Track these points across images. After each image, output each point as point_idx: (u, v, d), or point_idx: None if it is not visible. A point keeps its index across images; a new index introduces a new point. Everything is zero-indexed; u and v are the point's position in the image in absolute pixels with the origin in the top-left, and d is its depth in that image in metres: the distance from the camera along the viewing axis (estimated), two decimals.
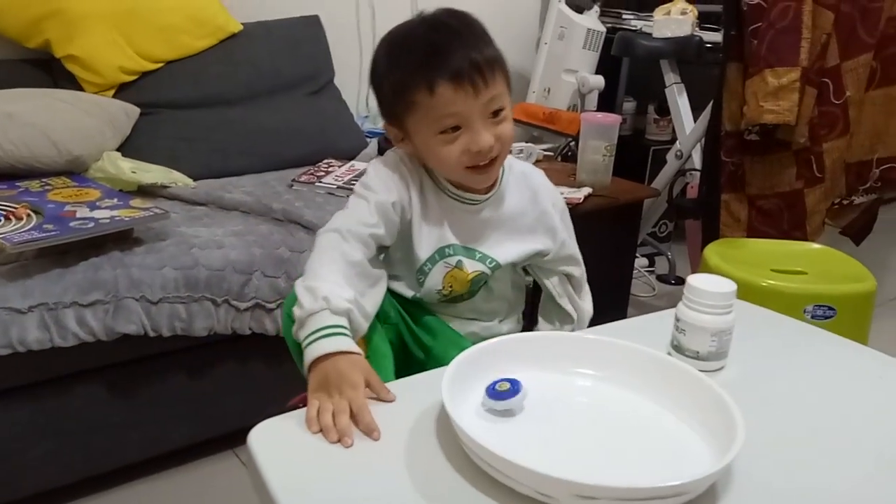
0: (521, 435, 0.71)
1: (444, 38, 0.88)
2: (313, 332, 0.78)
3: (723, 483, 0.65)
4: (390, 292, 1.00)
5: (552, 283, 1.09)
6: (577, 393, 0.79)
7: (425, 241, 0.99)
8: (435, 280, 1.01)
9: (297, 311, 0.81)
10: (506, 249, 1.02)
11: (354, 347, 0.79)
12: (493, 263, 1.01)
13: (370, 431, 0.70)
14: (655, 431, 0.73)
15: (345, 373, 0.75)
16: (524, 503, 0.61)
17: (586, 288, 1.13)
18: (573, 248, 1.09)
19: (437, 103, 0.88)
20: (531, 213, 1.04)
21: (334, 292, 0.81)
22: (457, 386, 0.71)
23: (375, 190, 0.94)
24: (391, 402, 0.75)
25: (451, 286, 1.02)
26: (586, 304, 1.12)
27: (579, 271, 1.11)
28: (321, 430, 0.70)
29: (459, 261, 1.00)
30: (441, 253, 0.99)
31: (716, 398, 0.71)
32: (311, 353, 0.78)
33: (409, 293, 1.04)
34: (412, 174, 0.97)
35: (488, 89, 0.88)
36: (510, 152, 1.00)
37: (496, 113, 0.91)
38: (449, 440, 0.69)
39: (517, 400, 0.73)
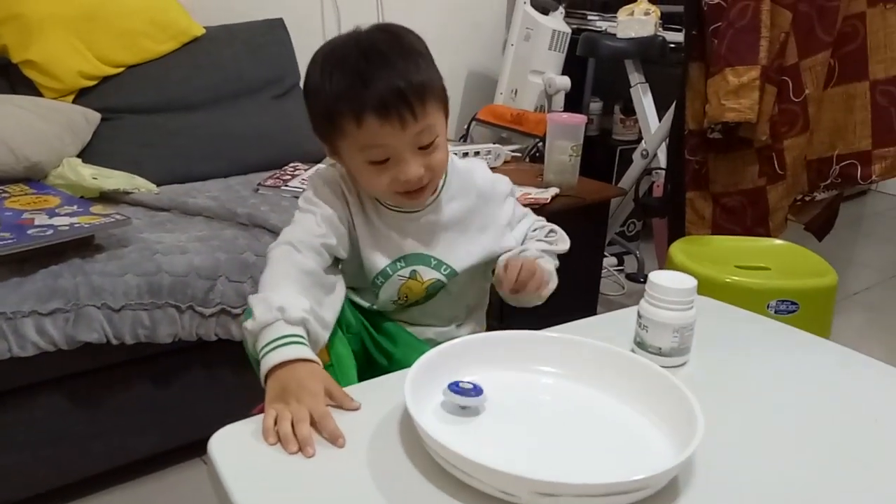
0: (484, 434, 0.71)
1: (373, 67, 0.85)
2: (269, 343, 0.77)
3: (684, 477, 0.66)
4: (349, 301, 1.00)
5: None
6: (539, 391, 0.80)
7: (374, 256, 0.98)
8: (390, 292, 1.00)
9: (250, 324, 0.79)
10: (459, 255, 1.01)
11: (312, 356, 0.77)
12: (448, 270, 1.00)
13: (335, 439, 0.69)
14: (618, 428, 0.74)
15: (303, 381, 0.73)
16: (488, 502, 0.61)
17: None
18: (526, 224, 1.09)
19: (364, 135, 0.86)
20: (481, 212, 1.03)
21: (289, 302, 0.79)
22: (419, 388, 0.71)
23: (320, 204, 0.93)
24: (356, 410, 0.74)
25: (406, 296, 1.01)
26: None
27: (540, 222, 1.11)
28: (279, 441, 0.68)
29: (414, 271, 0.99)
30: (393, 267, 0.98)
31: (676, 393, 0.71)
32: (266, 364, 0.76)
33: (365, 304, 1.03)
34: (350, 190, 0.96)
35: (417, 122, 0.86)
36: (462, 155, 0.99)
37: (427, 145, 0.89)
38: (412, 442, 0.69)
39: (479, 400, 0.73)
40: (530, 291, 0.95)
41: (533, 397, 0.79)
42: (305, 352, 0.77)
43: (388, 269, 0.98)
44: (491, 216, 1.04)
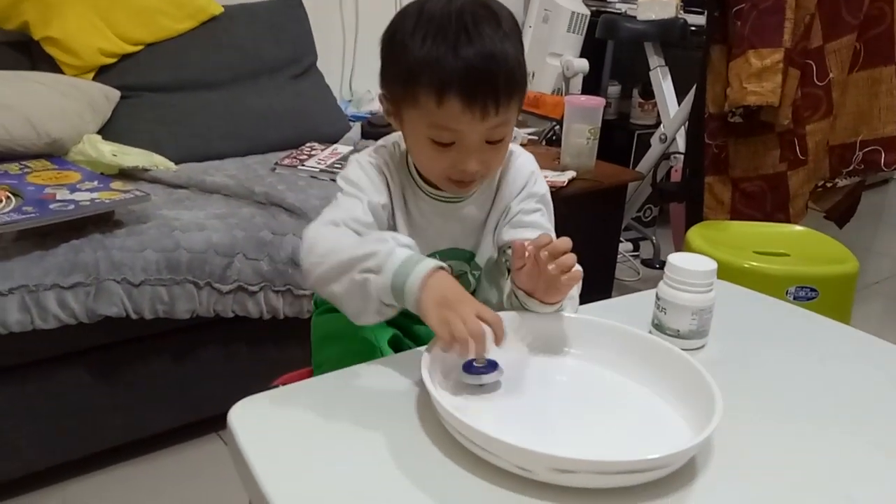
0: (502, 411, 0.72)
1: (475, 48, 0.78)
2: (401, 266, 0.73)
3: (702, 457, 0.66)
4: None
5: None
6: (557, 371, 0.80)
7: None
8: None
9: (370, 263, 0.74)
10: (486, 247, 0.97)
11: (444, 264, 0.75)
12: (474, 263, 0.97)
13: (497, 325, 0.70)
14: (635, 408, 0.74)
15: (457, 288, 0.73)
16: (503, 477, 0.61)
17: None
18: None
19: (441, 114, 0.81)
20: (516, 203, 0.96)
21: (389, 233, 0.78)
22: (437, 364, 0.71)
23: (366, 190, 0.88)
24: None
25: None
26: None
27: None
28: (458, 343, 0.68)
29: (448, 265, 0.97)
30: None
31: (695, 375, 0.71)
32: (413, 284, 0.72)
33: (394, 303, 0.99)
34: (393, 179, 0.92)
35: (497, 116, 0.81)
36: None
37: (496, 141, 0.85)
38: (430, 417, 0.69)
39: (493, 376, 0.73)
40: (563, 265, 0.78)
41: (551, 377, 0.79)
42: (438, 261, 0.75)
43: None
44: (512, 207, 0.97)
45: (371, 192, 0.88)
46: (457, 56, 0.78)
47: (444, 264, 0.75)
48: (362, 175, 0.89)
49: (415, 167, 0.93)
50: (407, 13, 0.84)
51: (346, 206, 0.86)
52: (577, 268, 0.79)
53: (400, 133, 0.93)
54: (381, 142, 0.95)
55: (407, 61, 0.81)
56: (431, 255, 0.94)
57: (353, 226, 0.82)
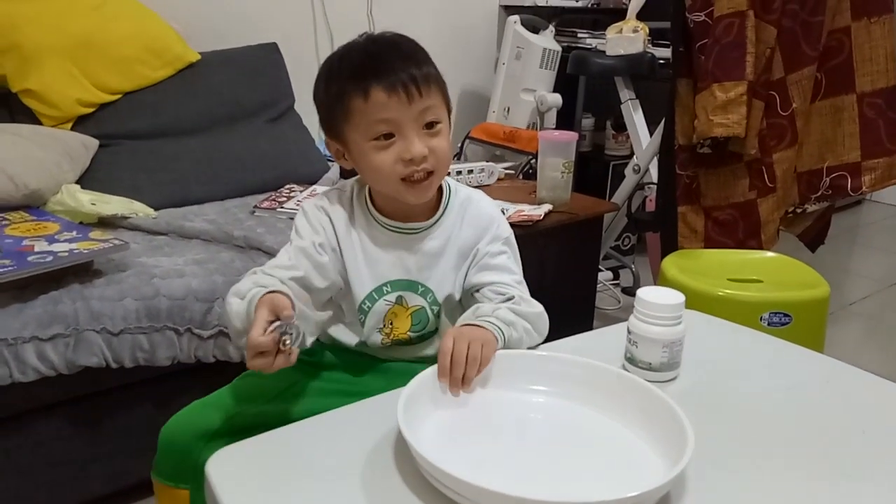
0: (477, 454, 0.73)
1: (383, 50, 0.92)
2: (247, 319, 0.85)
3: (676, 493, 0.67)
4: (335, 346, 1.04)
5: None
6: (531, 410, 0.81)
7: (361, 280, 0.98)
8: (376, 319, 0.99)
9: (238, 324, 0.87)
10: (445, 285, 1.00)
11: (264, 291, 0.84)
12: (432, 298, 1.00)
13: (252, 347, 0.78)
14: (609, 445, 0.75)
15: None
16: None
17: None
18: (505, 278, 0.99)
19: (371, 109, 0.89)
20: (473, 245, 1.00)
21: (258, 283, 0.87)
22: (412, 408, 0.72)
23: (301, 234, 0.97)
24: (290, 317, 0.80)
25: (391, 323, 1.00)
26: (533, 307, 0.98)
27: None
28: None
29: (400, 296, 0.99)
30: (379, 291, 0.98)
31: (666, 409, 0.73)
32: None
33: (353, 340, 1.03)
34: (337, 216, 0.98)
35: (423, 99, 0.90)
36: (456, 173, 0.99)
37: (431, 125, 0.92)
38: (406, 462, 0.70)
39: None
40: (456, 383, 0.81)
41: (524, 416, 0.80)
42: (259, 293, 0.84)
43: (374, 293, 0.98)
44: (479, 250, 1.00)
45: (307, 233, 0.97)
46: (370, 59, 0.91)
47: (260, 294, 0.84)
48: (303, 220, 0.99)
49: (372, 201, 0.99)
50: (321, 70, 0.97)
51: (278, 255, 0.97)
52: (483, 354, 0.82)
53: (356, 178, 1.01)
54: (337, 185, 1.04)
55: (333, 90, 0.93)
56: (384, 285, 0.99)
57: (269, 271, 0.91)
